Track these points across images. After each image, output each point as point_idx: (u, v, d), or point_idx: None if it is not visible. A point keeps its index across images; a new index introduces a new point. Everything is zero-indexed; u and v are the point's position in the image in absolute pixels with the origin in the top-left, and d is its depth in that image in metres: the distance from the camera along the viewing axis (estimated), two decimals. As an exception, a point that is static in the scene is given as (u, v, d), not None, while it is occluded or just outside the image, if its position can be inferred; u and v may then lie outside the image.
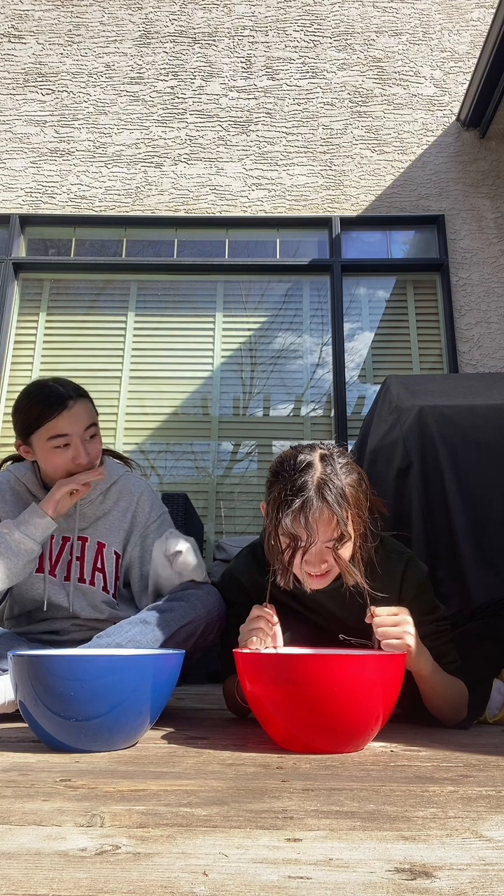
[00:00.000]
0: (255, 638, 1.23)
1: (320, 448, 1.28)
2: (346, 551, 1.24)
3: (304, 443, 1.33)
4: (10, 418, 1.67)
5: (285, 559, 1.24)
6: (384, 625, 1.19)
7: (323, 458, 1.25)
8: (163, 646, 1.40)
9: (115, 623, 1.55)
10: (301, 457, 1.26)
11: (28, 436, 1.61)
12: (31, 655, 1.09)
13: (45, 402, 1.59)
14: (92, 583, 1.65)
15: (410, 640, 1.18)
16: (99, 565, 1.65)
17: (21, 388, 4.52)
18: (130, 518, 1.69)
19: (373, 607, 1.21)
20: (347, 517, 1.22)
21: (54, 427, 1.57)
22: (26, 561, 1.54)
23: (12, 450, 1.75)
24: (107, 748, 1.10)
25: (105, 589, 1.65)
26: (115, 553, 1.67)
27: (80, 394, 1.63)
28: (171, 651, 1.18)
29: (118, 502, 1.69)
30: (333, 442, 1.36)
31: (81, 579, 1.64)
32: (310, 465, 1.24)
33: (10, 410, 4.00)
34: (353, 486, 1.25)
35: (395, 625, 1.19)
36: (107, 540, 1.67)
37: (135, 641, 1.38)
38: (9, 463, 1.78)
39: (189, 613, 1.44)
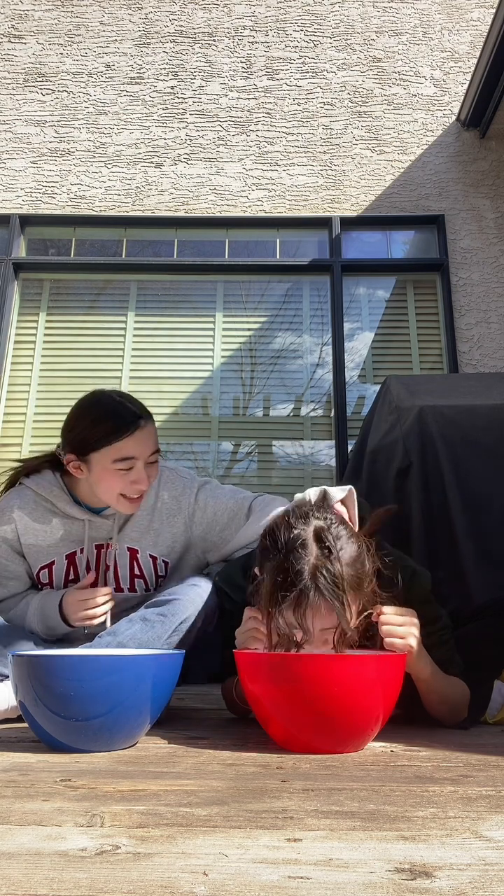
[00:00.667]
0: (253, 639, 1.23)
1: (315, 519, 1.19)
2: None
3: (298, 508, 1.22)
4: (63, 432, 1.53)
5: (286, 646, 1.17)
6: (390, 623, 1.19)
7: (318, 534, 1.16)
8: (164, 641, 1.40)
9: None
10: (295, 532, 1.17)
11: (87, 453, 1.48)
12: (31, 655, 1.09)
13: (116, 419, 1.47)
14: (132, 589, 1.59)
15: (413, 641, 1.18)
16: (137, 572, 1.61)
17: (21, 388, 4.44)
18: (160, 519, 1.62)
19: (380, 606, 1.20)
20: (347, 606, 1.14)
21: (123, 448, 1.46)
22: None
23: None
24: (107, 748, 1.10)
25: (147, 590, 1.62)
26: (151, 556, 1.61)
27: (149, 415, 1.52)
28: (171, 651, 1.18)
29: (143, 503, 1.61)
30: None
31: (119, 588, 1.59)
32: (304, 544, 1.15)
33: (10, 410, 4.02)
34: (352, 563, 1.16)
35: (401, 625, 1.19)
36: (138, 545, 1.61)
37: (136, 639, 1.39)
38: (23, 477, 1.63)
39: (187, 608, 1.44)
